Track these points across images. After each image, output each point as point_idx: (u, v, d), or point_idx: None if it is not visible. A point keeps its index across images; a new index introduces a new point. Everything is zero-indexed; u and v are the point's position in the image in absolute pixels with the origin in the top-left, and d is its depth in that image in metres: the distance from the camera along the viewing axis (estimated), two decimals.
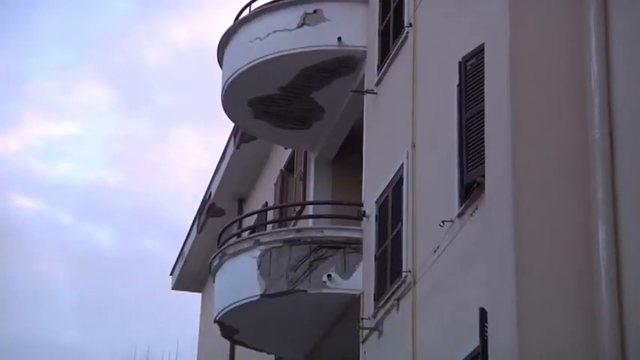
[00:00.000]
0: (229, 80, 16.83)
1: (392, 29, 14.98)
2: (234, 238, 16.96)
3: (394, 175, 14.09)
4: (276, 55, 16.11)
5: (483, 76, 10.85)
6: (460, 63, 11.92)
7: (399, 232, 13.64)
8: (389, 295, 13.61)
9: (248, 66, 16.40)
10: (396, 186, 14.00)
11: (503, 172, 9.87)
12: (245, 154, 21.00)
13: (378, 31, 15.46)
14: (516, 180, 9.67)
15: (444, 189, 12.29)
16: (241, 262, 15.87)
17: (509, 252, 9.56)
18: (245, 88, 16.76)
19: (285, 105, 16.95)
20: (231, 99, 17.16)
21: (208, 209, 22.93)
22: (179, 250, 25.31)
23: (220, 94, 17.29)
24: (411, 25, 14.16)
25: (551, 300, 9.27)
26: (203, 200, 23.62)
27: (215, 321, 16.87)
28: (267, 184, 21.01)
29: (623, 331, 8.88)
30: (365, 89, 15.64)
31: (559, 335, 9.15)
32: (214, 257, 16.81)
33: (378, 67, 15.28)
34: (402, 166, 13.85)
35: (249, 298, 15.55)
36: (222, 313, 16.25)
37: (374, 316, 14.09)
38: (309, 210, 17.46)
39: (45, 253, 58.24)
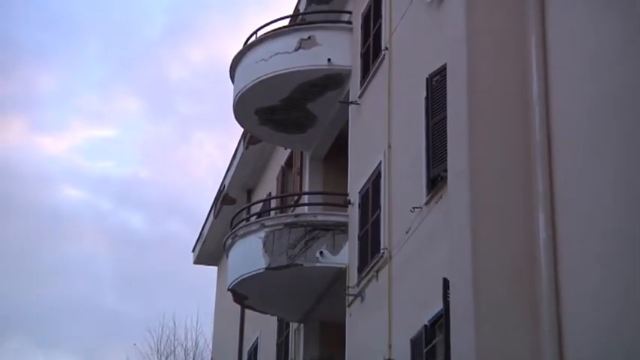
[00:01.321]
0: (239, 93, 16.76)
1: (372, 52, 14.93)
2: (244, 222, 16.94)
3: (374, 171, 14.08)
4: (278, 73, 16.05)
5: (446, 90, 10.85)
6: (427, 79, 11.89)
7: (378, 217, 13.64)
8: (370, 268, 13.61)
9: (254, 82, 16.34)
10: (375, 179, 13.98)
11: (462, 168, 9.90)
12: (252, 153, 20.94)
13: (361, 53, 15.42)
14: (472, 175, 9.69)
15: (414, 182, 12.25)
16: (249, 241, 15.83)
17: (466, 233, 9.59)
18: (252, 100, 16.68)
19: (285, 114, 16.87)
20: (241, 109, 17.09)
21: (223, 198, 22.86)
22: (199, 231, 25.20)
23: (232, 104, 17.24)
24: (387, 48, 14.15)
25: (500, 271, 9.30)
26: (218, 191, 23.53)
27: (228, 289, 16.84)
28: (270, 177, 20.95)
29: (558, 290, 9.00)
30: (350, 100, 15.56)
31: (506, 296, 9.19)
32: (228, 237, 16.82)
33: (360, 82, 15.23)
34: (380, 163, 13.85)
35: (256, 270, 15.53)
36: (234, 283, 16.22)
37: (357, 285, 14.07)
38: (305, 199, 17.44)
39: (89, 234, 58.11)
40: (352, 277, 14.42)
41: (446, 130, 10.73)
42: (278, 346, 18.49)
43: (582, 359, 8.51)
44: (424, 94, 12.01)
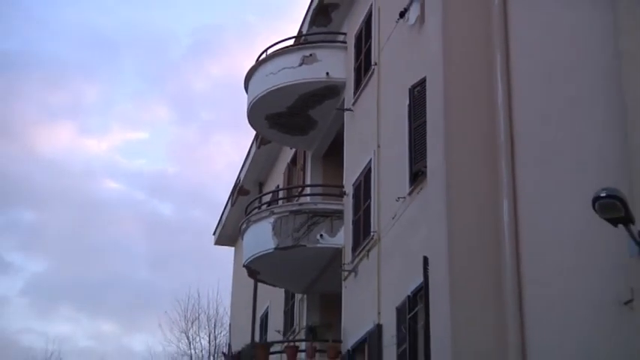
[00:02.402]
0: (252, 102, 16.72)
1: (363, 66, 14.90)
2: (256, 210, 16.90)
3: (365, 166, 14.05)
4: (284, 84, 16.02)
5: (425, 99, 10.82)
6: (410, 90, 11.86)
7: (369, 205, 13.62)
8: (362, 248, 13.60)
9: (265, 92, 16.30)
10: (367, 174, 13.96)
11: (438, 165, 9.91)
12: (263, 152, 20.93)
13: (354, 68, 15.38)
14: (447, 170, 9.69)
15: (399, 176, 12.23)
16: (261, 226, 15.79)
17: (442, 218, 9.60)
18: (263, 107, 16.63)
19: (290, 119, 16.83)
20: (253, 115, 17.05)
21: (238, 190, 22.86)
22: (218, 217, 25.22)
23: (246, 111, 17.19)
24: (376, 63, 14.14)
25: (470, 250, 9.32)
26: (234, 184, 23.54)
27: (243, 266, 16.84)
28: (278, 172, 20.95)
29: (519, 265, 9.00)
30: (345, 108, 15.53)
31: (475, 271, 9.22)
32: (243, 222, 16.81)
33: (353, 92, 15.20)
34: (370, 161, 13.83)
35: (266, 250, 15.52)
36: (248, 260, 16.21)
37: (352, 262, 14.06)
38: (307, 190, 17.44)
39: (125, 220, 58.01)
40: (347, 255, 14.39)
41: (425, 133, 10.71)
42: (285, 313, 18.52)
43: (539, 317, 8.55)
44: (407, 102, 11.99)
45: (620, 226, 6.75)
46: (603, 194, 6.71)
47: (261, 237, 15.73)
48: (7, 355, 45.42)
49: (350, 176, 14.98)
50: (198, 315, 29.89)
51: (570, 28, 8.64)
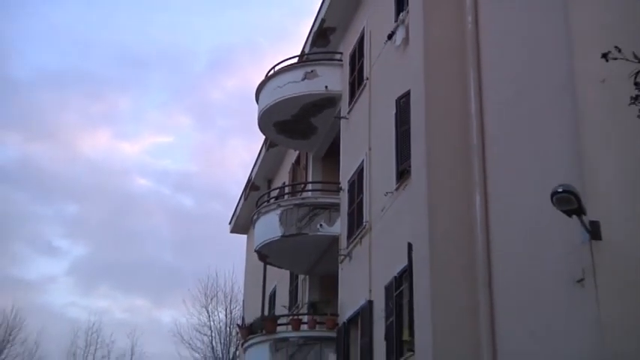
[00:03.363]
0: (262, 111, 16.72)
1: (357, 81, 14.92)
2: (265, 203, 16.92)
3: (358, 166, 14.07)
4: (289, 96, 16.01)
5: (410, 108, 10.82)
6: (396, 101, 11.89)
7: (361, 199, 13.63)
8: (355, 235, 13.62)
9: (273, 103, 16.31)
10: (360, 172, 13.97)
11: (421, 165, 9.92)
12: (271, 154, 20.93)
13: (349, 82, 15.40)
14: (428, 169, 9.71)
15: (387, 173, 12.24)
16: (269, 216, 15.80)
17: (424, 210, 9.61)
18: (271, 115, 16.64)
19: (295, 125, 16.83)
20: (263, 122, 17.07)
21: (250, 186, 22.87)
22: (233, 209, 25.26)
23: (257, 119, 17.22)
24: (367, 78, 14.17)
25: (447, 237, 9.32)
26: (247, 181, 23.54)
27: (255, 251, 16.86)
28: (284, 171, 20.95)
29: (489, 249, 8.98)
30: (341, 116, 15.54)
31: (451, 255, 9.23)
32: (254, 214, 16.81)
33: (348, 103, 15.22)
34: (363, 161, 13.85)
35: (274, 237, 15.53)
36: (259, 246, 16.21)
37: (347, 248, 14.08)
38: (309, 186, 17.47)
39: (154, 211, 58.05)
40: (343, 242, 14.41)
41: (410, 137, 10.71)
42: (290, 291, 18.56)
43: (506, 292, 8.59)
44: (394, 111, 12.03)
45: (574, 216, 6.82)
46: (560, 190, 6.77)
47: (269, 226, 15.73)
48: (56, 325, 45.94)
49: (345, 174, 14.99)
50: (217, 292, 30.08)
51: (532, 48, 8.66)
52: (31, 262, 53.53)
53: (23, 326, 31.50)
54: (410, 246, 10.19)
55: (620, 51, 4.70)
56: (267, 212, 15.98)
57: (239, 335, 22.65)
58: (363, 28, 14.83)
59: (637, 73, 4.54)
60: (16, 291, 47.21)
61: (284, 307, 18.12)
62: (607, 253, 6.80)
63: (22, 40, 64.70)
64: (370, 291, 12.37)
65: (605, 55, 4.87)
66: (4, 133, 59.07)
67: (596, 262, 6.76)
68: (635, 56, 4.51)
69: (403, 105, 11.49)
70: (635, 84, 4.55)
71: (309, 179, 17.79)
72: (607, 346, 6.54)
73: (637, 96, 4.58)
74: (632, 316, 6.64)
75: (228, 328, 28.58)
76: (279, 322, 15.33)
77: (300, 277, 17.57)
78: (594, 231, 6.83)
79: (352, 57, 15.45)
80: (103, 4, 67.56)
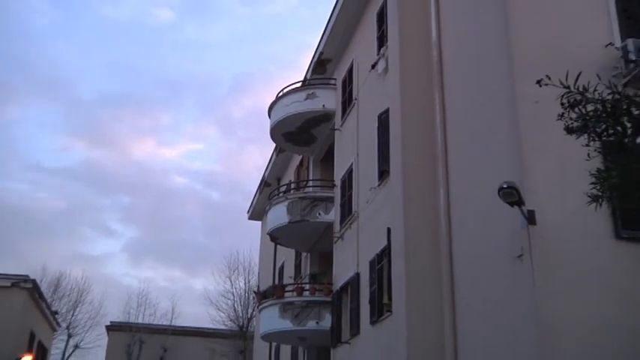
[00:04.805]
0: (273, 124, 16.59)
1: (347, 100, 14.80)
2: (276, 196, 16.85)
3: (349, 167, 13.95)
4: (294, 113, 15.90)
5: (389, 122, 10.82)
6: (378, 116, 11.83)
7: (351, 193, 13.55)
8: (346, 222, 13.53)
9: (281, 118, 16.19)
10: (350, 172, 13.86)
11: (397, 166, 9.93)
12: (280, 157, 20.82)
13: (341, 101, 15.28)
14: (403, 170, 9.73)
15: (371, 173, 12.17)
16: (279, 207, 15.65)
17: (400, 203, 9.61)
18: (280, 128, 16.51)
19: (299, 135, 16.68)
20: (274, 133, 16.94)
21: (264, 183, 22.77)
22: (250, 201, 25.19)
23: (269, 130, 17.08)
24: (356, 98, 14.09)
25: (418, 223, 9.33)
26: (261, 179, 23.43)
27: (267, 234, 16.71)
28: (290, 171, 20.84)
29: (450, 230, 8.96)
30: (335, 128, 15.44)
31: (421, 237, 9.22)
32: (267, 205, 16.65)
33: (341, 118, 15.11)
34: (352, 163, 13.75)
35: (282, 223, 15.38)
36: (270, 230, 16.06)
37: (339, 231, 13.97)
38: (310, 183, 17.43)
39: (189, 203, 57.91)
40: (336, 227, 14.31)
41: (389, 145, 10.74)
42: (295, 265, 18.40)
43: (462, 265, 8.59)
44: (376, 124, 11.97)
45: (515, 206, 6.89)
46: (505, 186, 6.85)
47: (279, 215, 15.58)
48: (114, 290, 46.41)
49: (338, 173, 14.89)
50: (237, 266, 29.97)
51: (483, 76, 8.68)
52: (95, 241, 54.04)
53: (90, 290, 32.02)
54: (389, 230, 10.22)
55: (550, 78, 4.77)
56: (277, 204, 15.87)
57: (255, 299, 22.67)
58: (352, 60, 14.80)
59: (562, 95, 4.60)
60: (84, 264, 48.48)
61: (290, 277, 18.05)
62: (540, 235, 6.85)
63: (88, 70, 65.02)
64: (358, 265, 12.33)
65: (539, 82, 4.94)
66: (73, 142, 60.05)
67: (532, 242, 6.82)
68: (561, 83, 4.58)
69: (383, 120, 11.47)
70: (561, 104, 4.61)
71: (310, 178, 17.64)
72: (539, 305, 6.62)
73: (562, 114, 4.64)
74: (559, 283, 6.70)
75: (246, 294, 28.57)
76: (286, 289, 15.25)
77: (303, 254, 17.45)
78: (531, 218, 6.88)
79: (344, 82, 15.40)
80: (149, 41, 67.68)
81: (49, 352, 27.46)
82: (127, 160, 60.05)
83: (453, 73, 9.76)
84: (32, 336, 22.76)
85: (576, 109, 4.23)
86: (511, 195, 6.82)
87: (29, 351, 21.89)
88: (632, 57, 7.18)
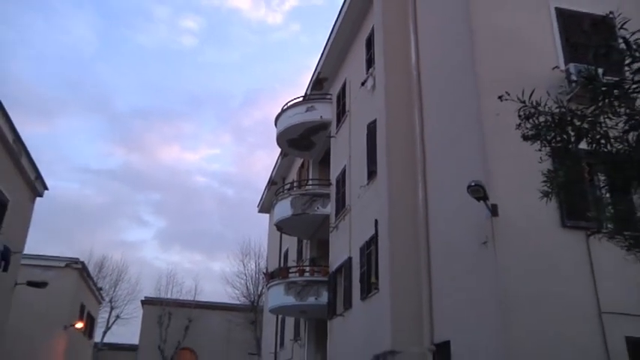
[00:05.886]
0: (279, 132, 16.54)
1: (341, 112, 14.78)
2: (281, 193, 16.80)
3: (342, 168, 13.90)
4: (297, 123, 15.86)
5: (376, 131, 10.76)
6: (367, 125, 11.78)
7: (344, 190, 13.51)
8: (340, 214, 13.49)
9: (286, 127, 16.15)
10: (343, 172, 13.80)
11: (383, 168, 9.88)
12: (285, 160, 20.73)
13: (336, 113, 15.25)
14: (388, 170, 9.68)
15: (361, 173, 12.14)
16: (284, 202, 15.64)
17: (385, 198, 9.55)
18: (285, 135, 16.47)
19: (300, 142, 16.64)
20: (280, 139, 16.90)
21: (271, 182, 22.74)
22: (260, 197, 25.19)
23: (275, 138, 17.07)
24: (348, 111, 14.05)
25: (400, 215, 9.28)
26: (269, 178, 23.40)
27: (274, 224, 16.74)
28: (294, 171, 20.77)
29: (427, 222, 8.83)
30: (331, 135, 15.40)
31: (403, 227, 9.16)
32: (274, 200, 16.66)
33: (336, 127, 15.07)
34: (345, 165, 13.71)
35: (287, 215, 15.37)
36: (277, 221, 16.08)
37: (335, 222, 13.94)
38: (310, 182, 17.44)
39: (207, 198, 58.01)
40: (332, 218, 14.27)
41: (376, 149, 10.73)
42: (297, 251, 18.30)
43: (436, 249, 8.58)
44: (365, 132, 11.93)
45: (481, 201, 6.96)
46: (473, 184, 6.92)
47: (284, 208, 15.57)
48: (147, 271, 46.76)
49: (334, 174, 14.85)
50: (249, 251, 29.95)
51: (454, 92, 8.70)
52: (131, 230, 54.76)
53: (128, 271, 32.77)
54: (376, 221, 10.23)
55: (509, 95, 4.83)
56: (282, 199, 15.86)
57: (264, 279, 22.74)
58: (345, 78, 14.79)
59: (519, 109, 4.65)
60: (122, 249, 50.50)
61: (293, 261, 18.01)
62: (502, 224, 6.91)
63: (125, 88, 65.36)
64: (350, 250, 12.32)
65: (500, 97, 4.98)
66: (113, 148, 60.52)
67: (495, 231, 6.88)
68: (518, 98, 4.63)
69: (371, 128, 11.46)
70: (519, 116, 4.66)
71: (310, 177, 17.61)
72: (500, 282, 6.68)
73: (519, 124, 4.69)
74: (517, 263, 6.77)
75: (256, 275, 28.59)
76: (290, 271, 15.28)
77: (304, 241, 17.39)
78: (494, 210, 6.95)
79: (338, 97, 15.38)
80: (174, 64, 67.73)
81: (96, 321, 27.95)
82: (157, 163, 60.30)
83: (429, 90, 9.80)
84: (82, 307, 23.30)
85: (530, 121, 4.29)
86: (478, 191, 6.88)
87: (80, 319, 22.51)
88: (574, 78, 7.33)
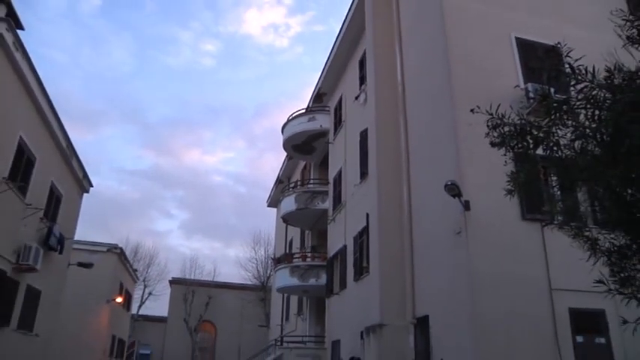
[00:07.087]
0: (285, 139, 16.46)
1: (338, 122, 14.75)
2: (287, 190, 16.79)
3: (339, 170, 13.83)
4: (300, 131, 15.80)
5: (367, 138, 10.73)
6: (360, 133, 11.76)
7: (341, 188, 13.48)
8: (337, 209, 13.46)
9: (291, 134, 16.08)
10: (340, 173, 13.77)
11: (373, 169, 9.84)
12: (290, 163, 20.65)
13: (333, 123, 15.20)
14: (377, 172, 9.64)
15: (355, 174, 12.10)
16: (289, 198, 15.59)
17: (375, 195, 9.53)
18: (290, 141, 16.41)
19: (303, 147, 16.59)
20: (286, 145, 16.81)
21: (278, 181, 22.71)
22: (269, 193, 25.13)
23: (282, 143, 16.97)
24: (344, 121, 14.00)
25: (388, 210, 9.23)
26: (276, 178, 23.33)
27: (281, 217, 16.67)
28: (298, 172, 20.67)
29: (411, 216, 8.83)
30: (329, 142, 15.37)
31: (390, 220, 9.15)
32: (281, 196, 16.61)
33: (333, 134, 15.04)
34: (341, 167, 13.66)
35: (291, 210, 15.31)
36: (283, 214, 16.01)
37: (332, 215, 13.91)
38: (311, 182, 17.46)
39: (223, 195, 57.95)
40: (330, 212, 14.24)
41: (367, 154, 10.72)
42: (300, 240, 18.26)
43: (419, 240, 8.57)
44: (358, 139, 11.93)
45: (456, 198, 7.04)
46: (449, 183, 7.00)
47: (289, 203, 15.53)
48: (174, 256, 46.73)
49: (332, 174, 14.79)
50: (259, 240, 30.13)
51: (433, 105, 8.72)
52: (160, 221, 54.93)
53: (158, 255, 32.86)
54: (367, 215, 10.25)
55: (479, 108, 4.91)
56: (288, 196, 15.82)
57: (272, 263, 22.77)
58: (342, 93, 14.77)
59: (488, 120, 4.74)
60: (153, 237, 49.74)
61: (297, 248, 18.00)
62: (473, 217, 6.98)
63: (155, 101, 65.30)
64: (345, 239, 12.31)
65: (472, 110, 5.07)
66: (145, 152, 60.68)
67: (467, 223, 6.95)
68: (487, 111, 4.72)
69: (363, 136, 11.46)
70: (487, 126, 4.74)
71: (311, 177, 17.57)
72: (473, 268, 6.75)
73: (488, 133, 4.77)
74: (485, 250, 6.84)
75: (266, 260, 28.68)
76: (294, 256, 15.33)
77: (306, 231, 17.37)
78: (466, 205, 7.01)
79: (335, 109, 15.35)
80: (196, 81, 67.65)
81: (133, 296, 28.44)
82: (181, 165, 60.28)
83: (413, 104, 9.83)
84: (121, 285, 23.81)
85: (497, 130, 4.37)
86: (453, 189, 6.96)
87: (120, 295, 23.14)
88: (532, 95, 7.49)
